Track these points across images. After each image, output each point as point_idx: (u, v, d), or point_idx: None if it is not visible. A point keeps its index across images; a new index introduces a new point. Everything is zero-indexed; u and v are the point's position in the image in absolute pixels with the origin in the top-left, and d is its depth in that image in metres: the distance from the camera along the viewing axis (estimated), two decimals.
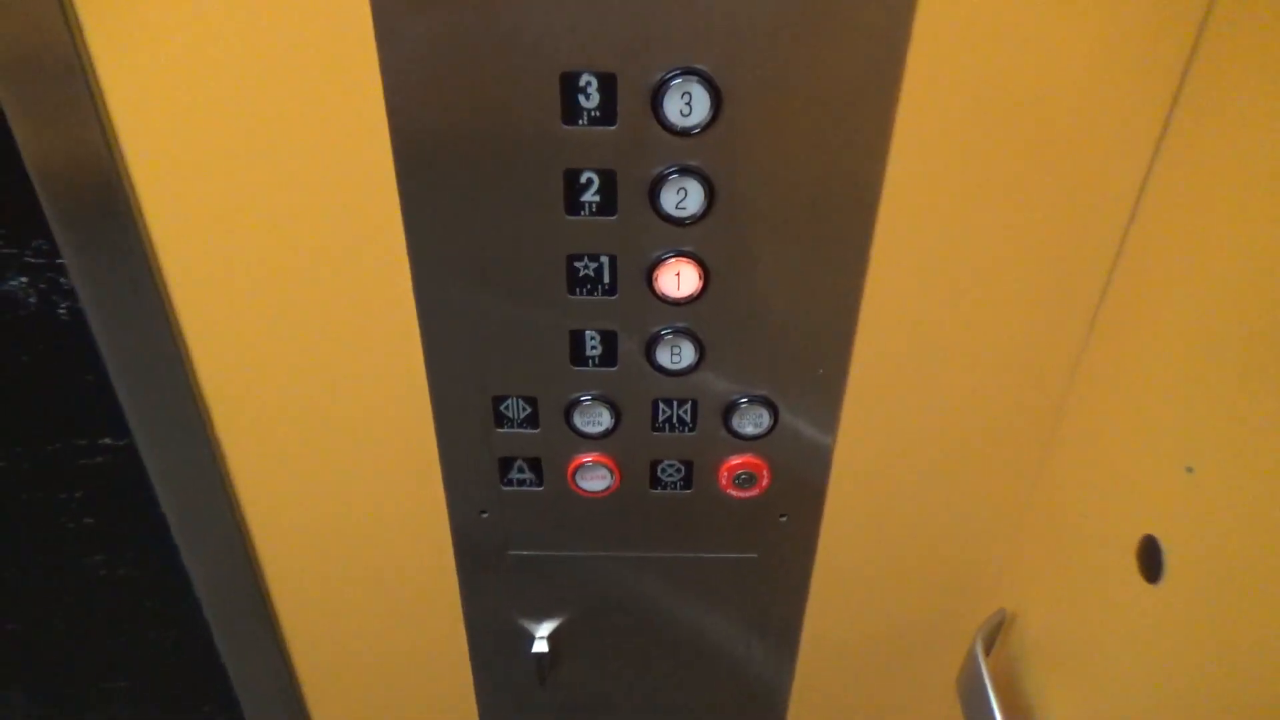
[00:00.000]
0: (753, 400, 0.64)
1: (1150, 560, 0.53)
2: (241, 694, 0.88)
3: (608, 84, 0.51)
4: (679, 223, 0.56)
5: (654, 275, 0.58)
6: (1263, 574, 0.45)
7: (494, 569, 0.75)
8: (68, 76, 0.51)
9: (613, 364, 0.62)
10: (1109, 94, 0.52)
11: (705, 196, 0.54)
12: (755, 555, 0.74)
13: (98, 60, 0.51)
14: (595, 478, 0.68)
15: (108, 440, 0.73)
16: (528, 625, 0.80)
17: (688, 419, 0.65)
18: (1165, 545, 0.52)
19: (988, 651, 0.70)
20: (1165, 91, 0.52)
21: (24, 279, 0.62)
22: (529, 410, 0.65)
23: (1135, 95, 0.52)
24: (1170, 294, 0.53)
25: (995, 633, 0.73)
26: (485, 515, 0.71)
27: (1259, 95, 0.46)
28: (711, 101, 0.51)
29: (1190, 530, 0.50)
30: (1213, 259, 0.49)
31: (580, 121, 0.52)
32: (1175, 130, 0.52)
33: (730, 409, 0.65)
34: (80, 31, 0.50)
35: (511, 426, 0.66)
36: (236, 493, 0.71)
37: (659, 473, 0.69)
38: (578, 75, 0.51)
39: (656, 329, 0.61)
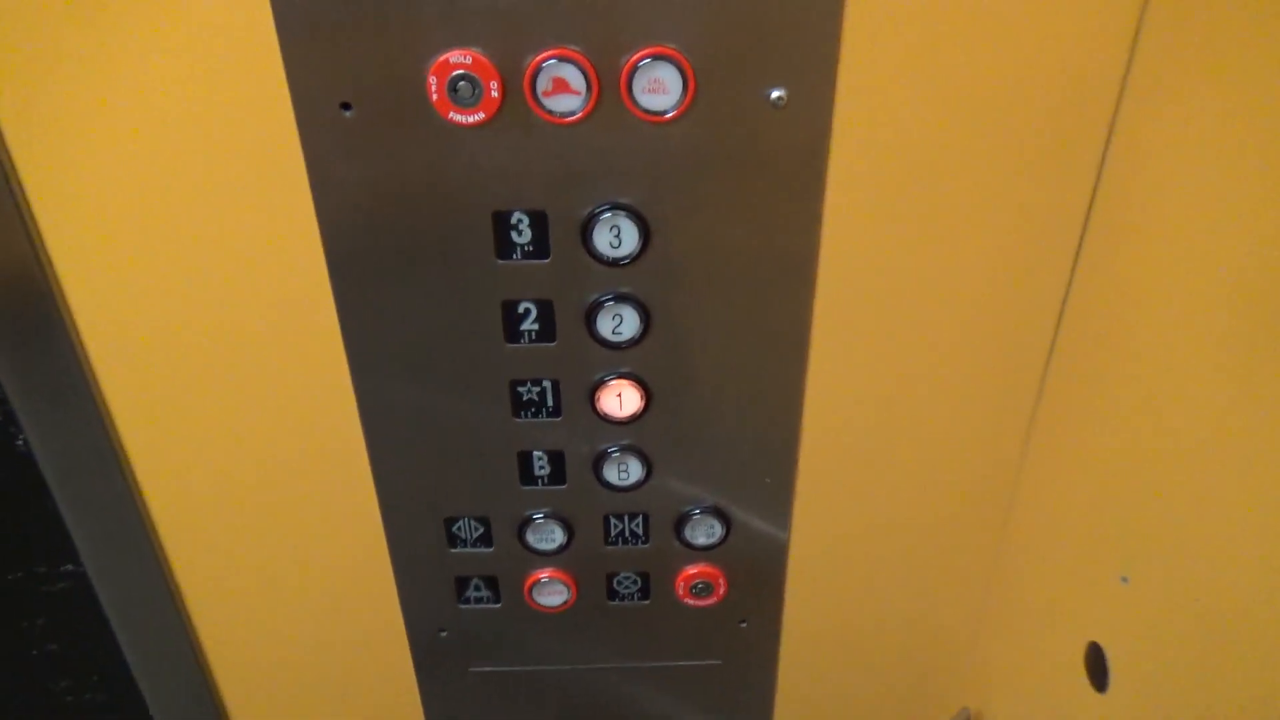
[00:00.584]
0: (704, 511, 0.65)
1: (1097, 668, 0.53)
2: None
3: (539, 220, 0.52)
4: (617, 347, 0.57)
5: (596, 396, 0.59)
6: (1204, 683, 0.45)
7: (456, 687, 0.74)
8: None
9: (562, 482, 0.63)
10: (1034, 181, 0.53)
11: (640, 320, 0.56)
12: (719, 661, 0.74)
13: (23, 171, 0.51)
14: (552, 593, 0.68)
15: (69, 567, 0.72)
16: None
17: (640, 532, 0.66)
18: (1109, 653, 0.52)
19: None
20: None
21: None
22: (482, 530, 0.65)
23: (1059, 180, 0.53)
24: (1101, 401, 0.54)
25: None
26: (444, 634, 0.71)
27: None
28: (639, 233, 0.52)
29: (1130, 639, 0.50)
30: (1136, 374, 0.50)
31: (514, 256, 0.53)
32: (1098, 219, 0.54)
33: (682, 520, 0.65)
34: (3, 140, 0.50)
35: (465, 546, 0.66)
36: (193, 623, 0.70)
37: (615, 585, 0.69)
38: (509, 214, 0.52)
39: (603, 447, 0.61)
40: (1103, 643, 0.52)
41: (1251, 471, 0.41)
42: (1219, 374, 0.43)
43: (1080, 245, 0.55)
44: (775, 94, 0.49)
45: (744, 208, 0.52)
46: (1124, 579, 0.50)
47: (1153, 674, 0.48)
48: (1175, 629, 0.47)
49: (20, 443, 0.64)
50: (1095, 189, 0.53)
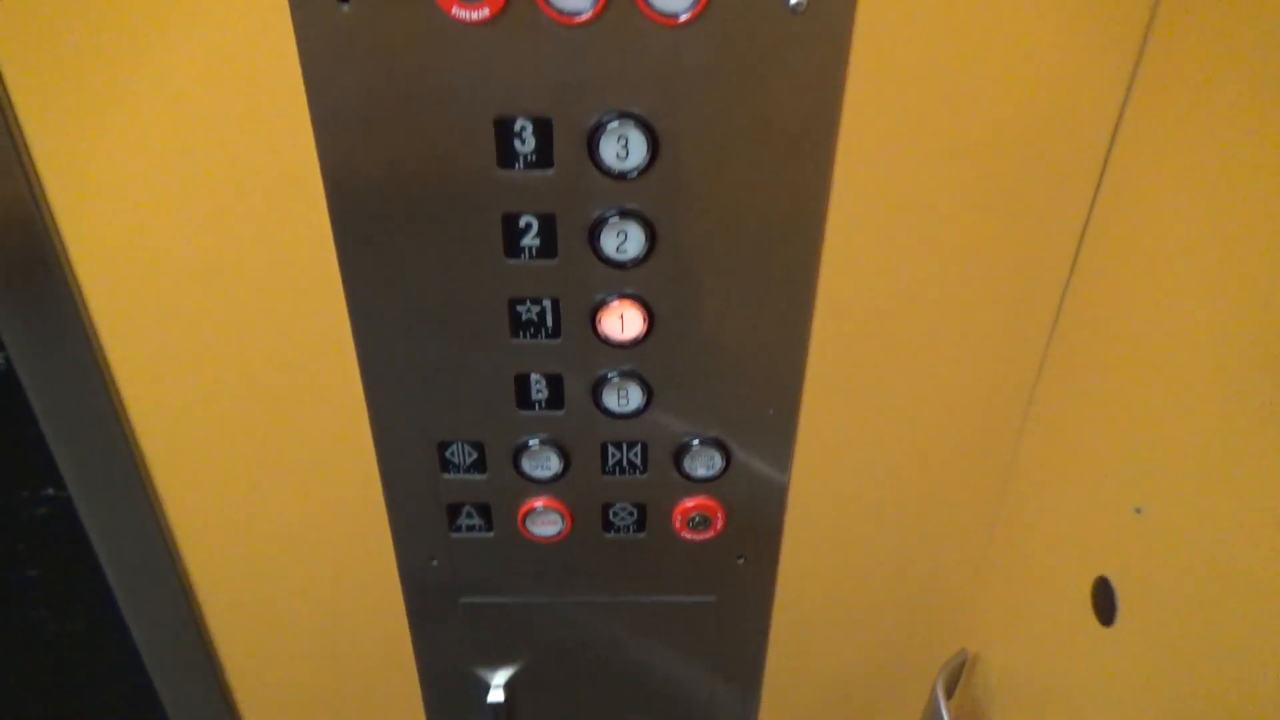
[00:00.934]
0: (704, 442, 0.63)
1: (1104, 602, 0.52)
2: None
3: (543, 128, 0.50)
4: (620, 265, 0.55)
5: (597, 318, 0.57)
6: (1212, 614, 0.44)
7: (446, 617, 0.73)
8: None
9: (559, 407, 0.61)
10: (1051, 143, 0.52)
11: (646, 239, 0.54)
12: (713, 598, 0.73)
13: (23, 116, 0.50)
14: (546, 523, 0.67)
15: (50, 491, 0.71)
16: (483, 674, 0.78)
17: (638, 462, 0.64)
18: (1118, 587, 0.51)
19: (949, 693, 0.69)
20: (1110, 117, 0.52)
21: None
22: (475, 455, 0.64)
23: (1076, 143, 0.52)
24: (1118, 336, 0.53)
25: (957, 674, 0.72)
26: (435, 563, 0.70)
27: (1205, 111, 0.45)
28: (648, 145, 0.50)
29: (1141, 571, 0.49)
30: (1160, 302, 0.49)
31: (517, 165, 0.51)
32: (1114, 169, 0.52)
33: (681, 451, 0.64)
34: (5, 89, 0.49)
35: (458, 472, 0.65)
36: (178, 546, 0.69)
37: (611, 516, 0.67)
38: (512, 120, 0.50)
39: (602, 372, 0.60)
40: (1112, 576, 0.51)
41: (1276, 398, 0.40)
42: (1241, 297, 0.42)
43: (1104, 171, 0.53)
44: None
45: (758, 120, 0.50)
46: (1138, 509, 0.48)
47: (1163, 606, 0.48)
48: (1188, 560, 0.46)
49: (1, 360, 0.62)
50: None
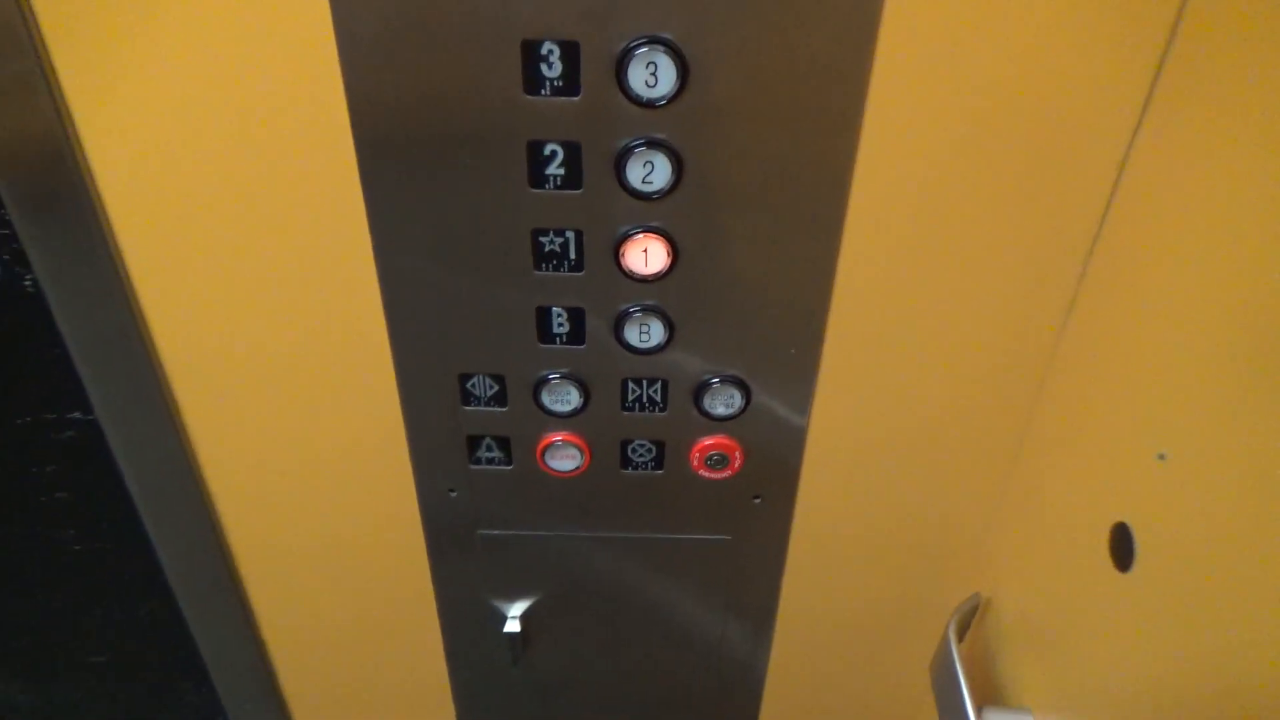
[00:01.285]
0: (724, 380, 0.63)
1: (1122, 548, 0.52)
2: (214, 672, 0.87)
3: (570, 53, 0.49)
4: (646, 197, 0.54)
5: (621, 251, 0.56)
6: (1231, 562, 0.44)
7: (464, 548, 0.74)
8: (18, 55, 0.50)
9: (580, 342, 0.61)
10: (1088, 71, 0.50)
11: (673, 171, 0.53)
12: (728, 537, 0.73)
13: (50, 39, 0.49)
14: (565, 457, 0.67)
15: (77, 415, 0.71)
16: (500, 605, 0.79)
17: (658, 399, 0.64)
18: (1136, 533, 0.50)
19: (961, 636, 0.69)
20: (1141, 88, 0.50)
21: None
22: (496, 388, 0.64)
23: (1112, 84, 0.51)
24: (1145, 284, 0.52)
25: (969, 617, 0.72)
26: (454, 494, 0.70)
27: (1234, 91, 0.44)
28: (678, 72, 0.49)
29: (1161, 518, 0.49)
30: (1187, 253, 0.48)
31: (543, 91, 0.50)
32: (1153, 116, 0.51)
33: (701, 389, 0.63)
34: (33, 12, 0.48)
35: (479, 404, 0.65)
36: (202, 471, 0.70)
37: (629, 453, 0.68)
38: (539, 44, 0.49)
39: (624, 307, 0.59)
40: (1131, 522, 0.51)
41: None
42: (1265, 255, 0.41)
43: (1142, 116, 0.52)
44: None
45: (790, 51, 0.49)
46: (1161, 455, 0.48)
47: (1181, 553, 0.47)
48: (1209, 508, 0.45)
49: (29, 282, 0.63)
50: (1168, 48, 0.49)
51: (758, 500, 0.71)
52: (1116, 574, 0.52)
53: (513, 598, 0.79)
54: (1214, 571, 0.45)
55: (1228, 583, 0.44)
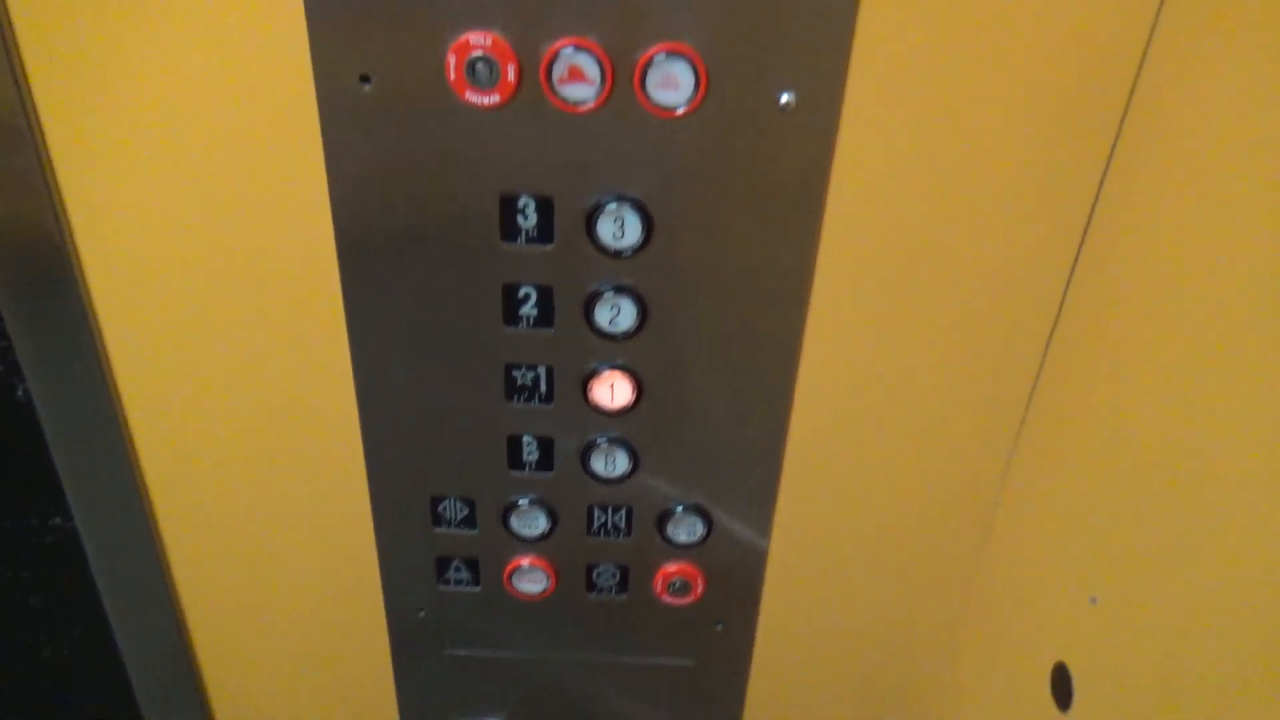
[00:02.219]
0: (687, 509, 0.65)
1: (1062, 687, 0.53)
2: None
3: (545, 206, 0.53)
4: (613, 338, 0.58)
5: (589, 386, 0.59)
6: (1166, 706, 0.46)
7: (431, 668, 0.75)
8: (17, 144, 0.52)
9: (549, 469, 0.64)
10: (1025, 235, 0.54)
11: (638, 313, 0.57)
12: (691, 662, 0.74)
13: (49, 132, 0.52)
14: (532, 580, 0.69)
15: (58, 520, 0.73)
16: None
17: (623, 525, 0.66)
18: (1074, 673, 0.52)
19: None
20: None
21: None
22: (467, 511, 0.66)
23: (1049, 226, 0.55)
24: (1082, 422, 0.55)
25: None
26: (422, 614, 0.71)
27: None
28: (643, 226, 0.53)
29: (1096, 659, 0.51)
30: (1115, 401, 0.51)
31: (519, 240, 0.54)
32: (1082, 272, 0.55)
33: (665, 517, 0.66)
34: (32, 99, 0.51)
35: (449, 526, 0.67)
36: (175, 583, 0.71)
37: (595, 577, 0.69)
38: (516, 197, 0.53)
39: (592, 437, 0.62)
40: (1069, 663, 0.53)
41: (1222, 498, 0.42)
42: (1192, 403, 0.44)
43: (1072, 272, 0.56)
44: (784, 98, 0.50)
45: (746, 209, 0.53)
46: (1093, 599, 0.50)
47: (1116, 695, 0.49)
48: (1140, 650, 0.47)
49: (20, 393, 0.65)
50: (1092, 212, 0.54)
51: (719, 626, 0.72)
52: (1059, 715, 0.54)
53: (477, 718, 0.79)
54: (1148, 714, 0.47)
55: None
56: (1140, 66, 0.49)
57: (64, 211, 0.55)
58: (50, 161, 0.53)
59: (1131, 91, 0.50)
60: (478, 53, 0.48)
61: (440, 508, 0.66)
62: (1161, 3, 0.48)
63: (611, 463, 0.63)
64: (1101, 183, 0.53)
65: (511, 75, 0.49)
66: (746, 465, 0.64)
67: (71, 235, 0.56)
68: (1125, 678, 0.48)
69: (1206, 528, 0.43)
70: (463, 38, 0.48)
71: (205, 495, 0.67)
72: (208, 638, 0.75)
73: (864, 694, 0.76)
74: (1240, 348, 0.41)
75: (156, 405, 0.62)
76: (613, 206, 0.53)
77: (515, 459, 0.63)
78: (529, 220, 0.54)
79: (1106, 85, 0.50)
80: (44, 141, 0.52)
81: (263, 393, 0.61)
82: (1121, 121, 0.51)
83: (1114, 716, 0.49)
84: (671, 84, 0.49)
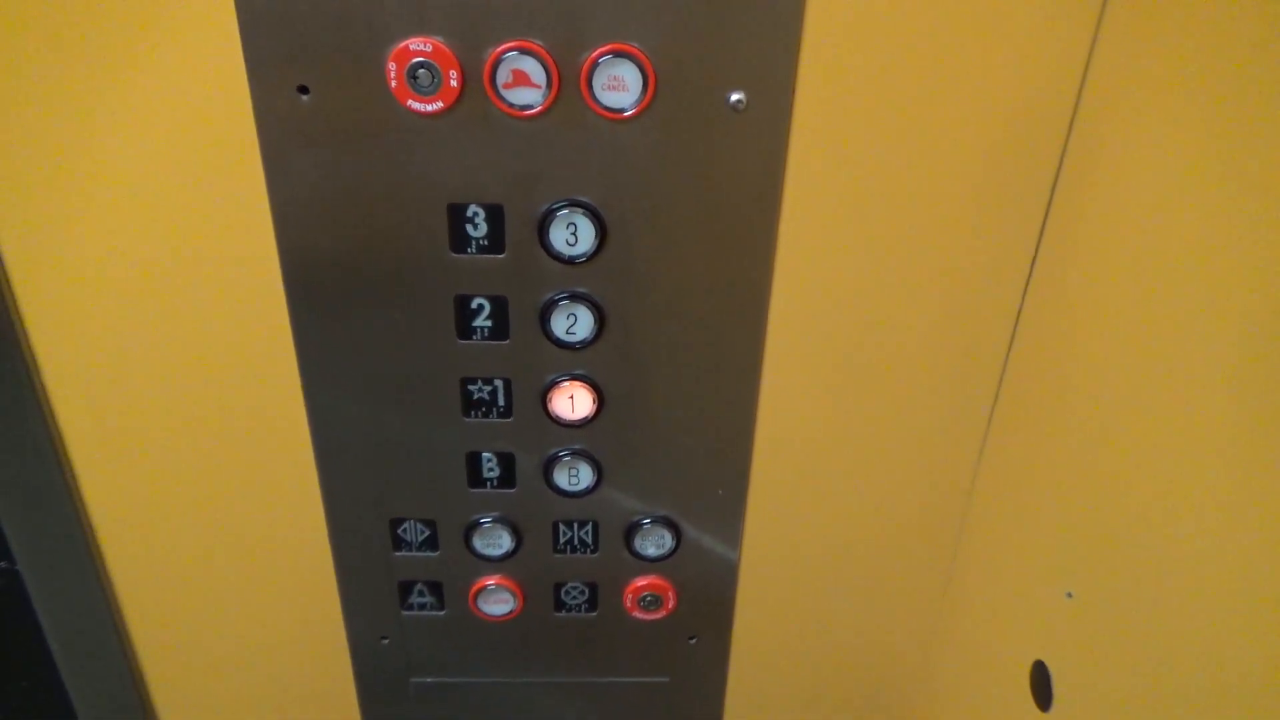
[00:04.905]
0: (654, 521, 0.64)
1: (1041, 686, 0.52)
2: None
3: (495, 215, 0.52)
4: (570, 347, 0.56)
5: (548, 398, 0.58)
6: (1146, 702, 0.45)
7: (397, 697, 0.72)
8: None
9: (511, 485, 0.62)
10: (984, 238, 0.54)
11: (595, 321, 0.55)
12: (666, 679, 0.72)
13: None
14: (498, 601, 0.67)
15: (2, 564, 0.70)
16: None
17: (589, 540, 0.65)
18: (1053, 671, 0.51)
19: None
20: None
21: None
22: (428, 533, 0.64)
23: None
24: (1051, 419, 0.54)
25: None
26: (386, 641, 0.69)
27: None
28: (596, 231, 0.52)
29: (1074, 656, 0.50)
30: (1085, 395, 0.51)
31: (469, 250, 0.53)
32: (1037, 285, 0.54)
33: (632, 530, 0.64)
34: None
35: (410, 550, 0.65)
36: (126, 624, 0.68)
37: (563, 595, 0.67)
38: (465, 207, 0.52)
39: (553, 451, 0.61)
40: (1048, 660, 0.52)
41: (1197, 490, 0.41)
42: (1163, 395, 0.43)
43: (1033, 263, 0.55)
44: (735, 97, 0.49)
45: (701, 211, 0.52)
46: (1069, 594, 0.49)
47: (1095, 692, 0.48)
48: (1117, 646, 0.46)
49: None
50: (1049, 205, 0.53)
51: (693, 640, 0.70)
52: (1039, 714, 0.53)
53: None
54: (1128, 712, 0.46)
55: None
56: (1089, 57, 0.49)
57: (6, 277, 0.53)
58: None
59: (1081, 84, 0.50)
60: (419, 59, 0.47)
61: (400, 530, 0.64)
62: (1105, 3, 0.48)
63: (575, 476, 0.61)
64: (1057, 176, 0.52)
65: (454, 81, 0.48)
66: (714, 473, 0.62)
67: (5, 270, 0.54)
68: (1104, 674, 0.47)
69: (1179, 519, 0.42)
70: (403, 44, 0.47)
71: (153, 529, 0.64)
72: (162, 678, 0.72)
73: (842, 701, 0.75)
74: (1208, 339, 0.41)
75: (99, 437, 0.60)
76: (564, 213, 0.52)
77: (475, 476, 0.62)
78: (479, 230, 0.52)
79: (1058, 79, 0.50)
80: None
81: (210, 420, 0.59)
82: (1074, 112, 0.51)
83: (1095, 714, 0.48)
84: (619, 85, 0.48)
